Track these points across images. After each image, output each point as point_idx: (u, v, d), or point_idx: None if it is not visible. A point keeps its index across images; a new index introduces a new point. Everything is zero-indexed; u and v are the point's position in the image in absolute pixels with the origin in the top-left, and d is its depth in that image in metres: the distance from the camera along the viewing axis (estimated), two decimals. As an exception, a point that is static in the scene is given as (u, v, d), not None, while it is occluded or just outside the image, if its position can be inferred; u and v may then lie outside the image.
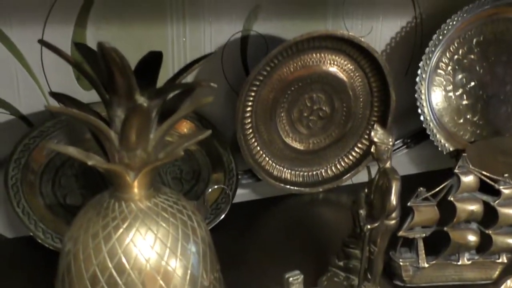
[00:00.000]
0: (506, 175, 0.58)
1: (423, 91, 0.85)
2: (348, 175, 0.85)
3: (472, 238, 0.58)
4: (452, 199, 0.57)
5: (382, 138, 0.49)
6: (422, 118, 0.85)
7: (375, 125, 0.50)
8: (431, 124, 0.86)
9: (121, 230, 0.37)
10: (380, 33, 0.86)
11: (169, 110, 0.41)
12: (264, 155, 0.81)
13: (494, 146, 0.89)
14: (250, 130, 0.78)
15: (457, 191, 0.57)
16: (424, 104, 0.86)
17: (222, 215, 0.70)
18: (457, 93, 0.90)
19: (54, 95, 0.41)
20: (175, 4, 0.71)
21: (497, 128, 0.93)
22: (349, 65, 0.80)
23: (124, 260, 0.37)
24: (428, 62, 0.85)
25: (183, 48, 0.74)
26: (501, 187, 0.58)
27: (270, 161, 0.81)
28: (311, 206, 0.83)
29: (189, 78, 0.76)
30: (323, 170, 0.85)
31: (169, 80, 0.42)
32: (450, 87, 0.89)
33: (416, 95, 0.84)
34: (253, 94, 0.76)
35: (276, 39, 0.78)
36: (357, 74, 0.81)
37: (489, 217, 0.59)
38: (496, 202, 0.58)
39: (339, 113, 0.82)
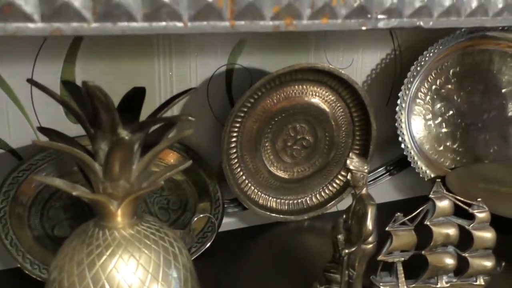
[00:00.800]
0: (479, 199, 0.60)
1: (403, 120, 0.88)
2: (333, 202, 0.87)
3: (449, 261, 0.60)
4: (428, 223, 0.59)
5: (358, 166, 0.51)
6: (403, 146, 0.88)
7: (350, 154, 0.52)
8: (412, 152, 0.89)
9: (104, 257, 0.39)
10: (361, 64, 0.89)
11: (152, 142, 0.43)
12: (249, 184, 0.83)
13: (474, 173, 0.92)
14: (236, 160, 0.80)
15: (433, 216, 0.59)
16: (405, 132, 0.88)
17: (208, 244, 0.72)
18: (436, 122, 0.93)
19: (42, 129, 0.43)
20: (162, 41, 0.74)
21: (477, 155, 0.96)
22: (330, 96, 0.83)
23: (107, 286, 0.39)
24: (407, 92, 0.88)
25: (169, 81, 0.77)
26: (475, 211, 0.60)
27: (255, 190, 0.83)
28: (297, 233, 0.84)
29: (175, 110, 0.80)
30: (308, 198, 0.87)
31: (151, 114, 0.44)
32: (430, 116, 0.93)
33: (396, 124, 0.87)
34: (238, 125, 0.78)
35: (260, 72, 0.81)
36: (338, 105, 0.84)
37: (465, 240, 0.60)
38: (471, 225, 0.60)
39: (322, 142, 0.85)
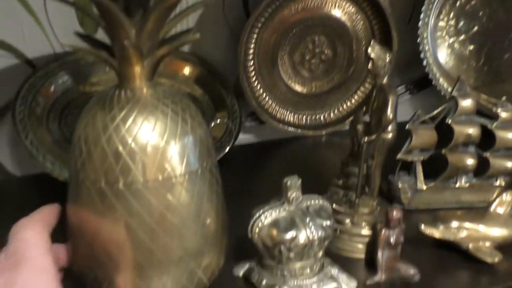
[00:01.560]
0: (504, 98, 0.58)
1: (425, 36, 0.86)
2: (351, 118, 0.86)
3: (469, 161, 0.59)
4: (450, 121, 0.58)
5: (379, 54, 0.50)
6: (425, 63, 0.85)
7: (372, 42, 0.50)
8: (434, 69, 0.86)
9: (130, 119, 0.39)
10: (383, -22, 0.85)
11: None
12: (267, 98, 0.82)
13: (498, 93, 0.89)
14: (253, 73, 0.79)
15: (455, 114, 0.58)
16: (427, 49, 0.86)
17: (226, 148, 0.72)
18: (460, 39, 0.90)
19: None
20: None
21: (501, 74, 0.93)
22: (350, 7, 0.80)
23: (134, 147, 0.39)
24: (430, 6, 0.85)
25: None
26: (499, 110, 0.58)
27: (273, 104, 0.82)
28: (315, 148, 0.84)
29: (191, 22, 0.78)
30: (326, 113, 0.86)
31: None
32: (453, 34, 0.89)
33: (418, 40, 0.84)
34: (255, 36, 0.77)
35: (278, -19, 0.78)
36: (358, 17, 0.81)
37: (487, 140, 0.59)
38: (494, 125, 0.58)
39: (341, 57, 0.83)
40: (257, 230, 0.46)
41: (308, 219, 0.46)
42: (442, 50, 0.89)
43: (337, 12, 0.80)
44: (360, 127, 0.52)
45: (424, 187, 0.59)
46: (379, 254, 0.49)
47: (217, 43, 0.80)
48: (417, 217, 0.55)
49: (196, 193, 0.42)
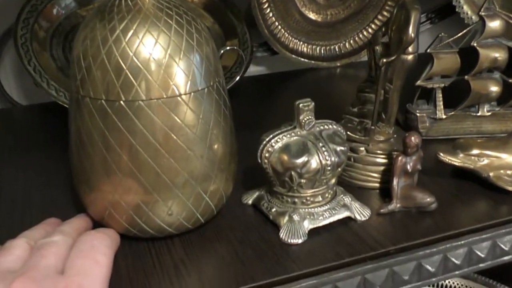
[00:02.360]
0: (535, 18, 0.54)
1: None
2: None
3: (494, 88, 0.56)
4: (475, 44, 0.54)
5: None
6: (448, -13, 0.80)
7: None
8: (458, -6, 0.81)
9: (131, 32, 0.37)
10: None
11: None
12: (279, 27, 0.78)
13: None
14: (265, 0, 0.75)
15: (481, 36, 0.54)
16: (451, -27, 0.80)
17: (237, 77, 0.69)
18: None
19: None
20: None
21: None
22: None
23: (136, 61, 0.37)
24: None
25: None
26: (529, 32, 0.54)
27: (286, 34, 0.79)
28: (329, 80, 0.81)
29: None
30: (341, 44, 0.82)
31: None
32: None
33: (442, -36, 0.79)
34: (267, -42, 0.72)
35: None
36: None
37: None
38: (523, 48, 0.54)
39: (359, -19, 0.78)
40: (267, 155, 0.44)
41: (321, 144, 0.44)
42: (467, -25, 0.83)
43: None
44: (378, 48, 0.49)
45: (444, 116, 0.57)
46: (395, 181, 0.47)
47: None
48: (435, 146, 0.53)
49: (203, 114, 0.40)
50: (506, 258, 0.45)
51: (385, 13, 0.80)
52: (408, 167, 0.46)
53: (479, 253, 0.44)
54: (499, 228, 0.44)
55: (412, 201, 0.46)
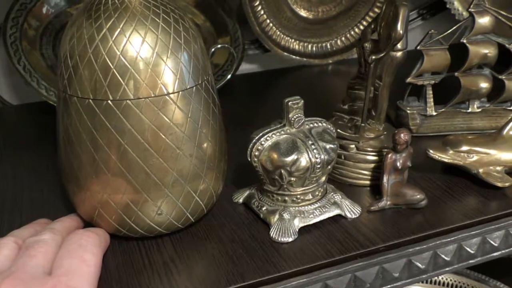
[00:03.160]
0: (524, 14, 0.54)
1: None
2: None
3: (483, 84, 0.56)
4: (465, 41, 0.54)
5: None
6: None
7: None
8: (448, -9, 0.81)
9: (118, 30, 0.36)
10: None
11: None
12: (271, 24, 0.78)
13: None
14: (256, -4, 0.75)
15: (471, 33, 0.54)
16: (442, -31, 0.80)
17: (228, 76, 0.69)
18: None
19: None
20: None
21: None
22: None
23: (123, 60, 0.36)
24: None
25: None
26: (518, 28, 0.54)
27: (277, 31, 0.78)
28: (321, 77, 0.81)
29: None
30: (332, 41, 0.82)
31: None
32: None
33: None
34: (258, -45, 0.72)
35: None
36: None
37: (503, 62, 0.56)
38: (512, 44, 0.55)
39: (350, -22, 0.78)
40: (256, 153, 0.44)
41: (310, 142, 0.44)
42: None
43: None
44: (368, 45, 0.49)
45: (434, 113, 0.57)
46: (385, 179, 0.47)
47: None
48: (426, 143, 0.53)
49: (191, 112, 0.39)
50: (495, 254, 0.45)
51: (376, 9, 0.80)
52: (398, 164, 0.46)
53: (468, 250, 0.44)
54: (488, 224, 0.44)
55: (402, 198, 0.46)
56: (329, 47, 0.82)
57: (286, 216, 0.44)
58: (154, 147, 0.39)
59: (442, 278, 0.76)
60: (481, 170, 0.48)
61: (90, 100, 0.38)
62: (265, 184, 0.46)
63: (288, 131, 0.45)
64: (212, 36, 0.76)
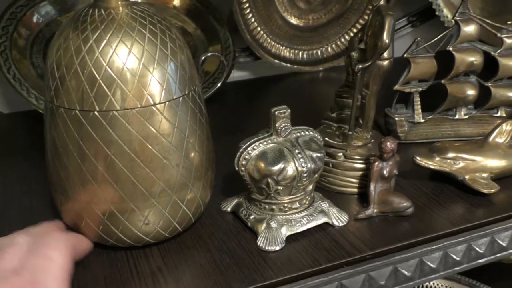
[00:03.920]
0: (509, 22, 0.55)
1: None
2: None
3: (470, 91, 0.56)
4: (451, 49, 0.55)
5: (376, -28, 0.46)
6: (428, -9, 0.81)
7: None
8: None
9: (104, 41, 0.37)
10: None
11: None
12: (262, 32, 0.78)
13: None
14: (247, 5, 0.75)
15: (456, 41, 0.55)
16: (430, -24, 0.81)
17: (218, 84, 0.69)
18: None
19: None
20: None
21: (509, 4, 0.88)
22: None
23: (110, 71, 0.37)
24: None
25: None
26: (503, 36, 0.55)
27: (268, 39, 0.79)
28: (311, 84, 0.81)
29: None
30: (323, 49, 0.83)
31: None
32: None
33: (422, -32, 0.79)
34: (248, -36, 0.72)
35: None
36: None
37: (489, 70, 0.56)
38: (498, 52, 0.55)
39: (340, -14, 0.79)
40: (244, 162, 0.44)
41: (297, 151, 0.44)
42: (447, -22, 0.84)
43: None
44: (355, 54, 0.49)
45: (422, 120, 0.57)
46: (372, 187, 0.47)
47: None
48: (414, 150, 0.53)
49: (178, 122, 0.40)
50: (481, 260, 0.45)
51: (366, 16, 0.81)
52: (385, 172, 0.47)
53: (454, 257, 0.44)
54: (474, 232, 0.45)
55: (389, 206, 0.47)
56: (319, 54, 0.82)
57: (273, 224, 0.44)
58: (141, 158, 0.39)
59: (433, 283, 0.77)
60: (467, 177, 0.48)
61: (77, 111, 0.38)
62: (252, 193, 0.46)
63: (275, 140, 0.45)
64: (203, 44, 0.76)
